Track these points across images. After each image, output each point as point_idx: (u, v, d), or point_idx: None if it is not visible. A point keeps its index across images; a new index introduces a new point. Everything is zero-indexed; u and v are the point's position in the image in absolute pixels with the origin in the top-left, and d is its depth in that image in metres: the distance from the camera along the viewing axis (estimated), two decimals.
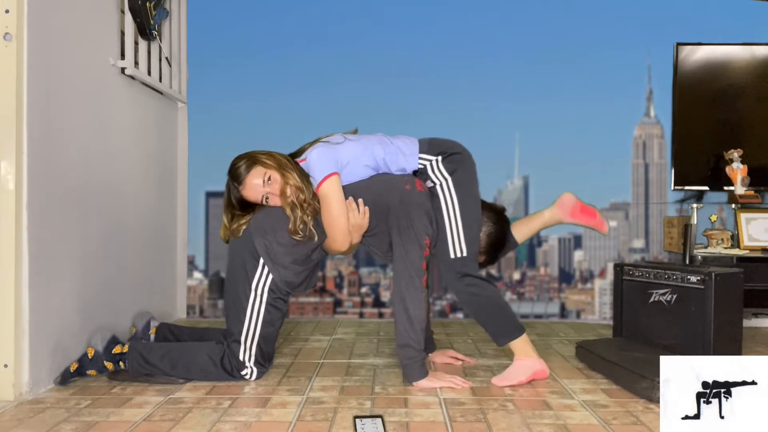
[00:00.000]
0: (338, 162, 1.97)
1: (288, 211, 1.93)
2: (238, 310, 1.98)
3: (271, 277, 1.96)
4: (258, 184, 1.95)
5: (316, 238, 1.98)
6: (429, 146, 2.04)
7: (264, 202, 1.98)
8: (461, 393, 1.86)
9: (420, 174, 2.04)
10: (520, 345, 1.98)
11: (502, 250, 2.19)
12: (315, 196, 1.97)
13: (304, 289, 2.07)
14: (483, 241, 2.10)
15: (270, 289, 1.97)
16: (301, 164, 2.01)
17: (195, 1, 3.17)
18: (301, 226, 1.93)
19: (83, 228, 2.10)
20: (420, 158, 2.03)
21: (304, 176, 1.98)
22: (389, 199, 1.98)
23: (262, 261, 1.96)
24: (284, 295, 2.01)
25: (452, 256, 1.97)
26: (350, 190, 1.99)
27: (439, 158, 2.01)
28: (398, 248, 1.96)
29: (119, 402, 1.77)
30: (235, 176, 1.97)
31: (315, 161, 1.96)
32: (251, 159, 1.97)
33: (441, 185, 2.00)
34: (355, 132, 2.11)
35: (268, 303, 1.97)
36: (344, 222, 1.95)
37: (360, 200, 1.98)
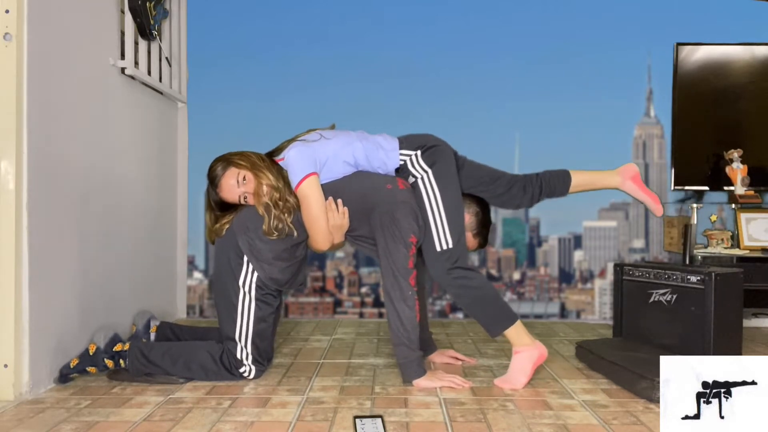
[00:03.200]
0: (316, 161, 1.97)
1: (261, 211, 1.94)
2: (229, 308, 1.99)
3: (257, 273, 1.97)
4: (233, 185, 1.96)
5: (295, 234, 1.98)
6: (407, 142, 2.04)
7: (243, 202, 1.99)
8: (461, 393, 1.86)
9: (401, 170, 2.04)
10: (514, 333, 1.97)
11: (489, 229, 2.18)
12: (292, 192, 1.97)
13: (291, 287, 2.07)
14: (473, 223, 2.09)
15: (257, 286, 1.98)
16: (279, 163, 2.01)
17: (195, 1, 3.17)
18: (278, 225, 1.94)
19: (83, 228, 2.10)
20: (400, 154, 2.03)
21: (280, 174, 1.98)
22: (371, 199, 1.97)
23: (246, 258, 1.97)
24: (273, 291, 2.02)
25: (438, 249, 1.96)
26: (331, 190, 1.98)
27: (418, 152, 2.02)
28: (382, 248, 1.95)
29: (119, 402, 1.77)
30: (211, 179, 1.99)
31: (293, 162, 1.96)
32: (225, 161, 1.98)
33: (422, 178, 2.00)
34: (333, 128, 2.11)
35: (257, 299, 1.98)
36: (324, 222, 1.95)
37: (339, 200, 1.98)
